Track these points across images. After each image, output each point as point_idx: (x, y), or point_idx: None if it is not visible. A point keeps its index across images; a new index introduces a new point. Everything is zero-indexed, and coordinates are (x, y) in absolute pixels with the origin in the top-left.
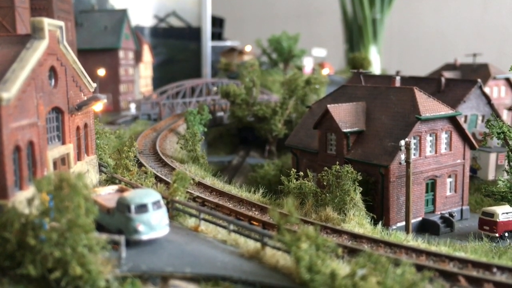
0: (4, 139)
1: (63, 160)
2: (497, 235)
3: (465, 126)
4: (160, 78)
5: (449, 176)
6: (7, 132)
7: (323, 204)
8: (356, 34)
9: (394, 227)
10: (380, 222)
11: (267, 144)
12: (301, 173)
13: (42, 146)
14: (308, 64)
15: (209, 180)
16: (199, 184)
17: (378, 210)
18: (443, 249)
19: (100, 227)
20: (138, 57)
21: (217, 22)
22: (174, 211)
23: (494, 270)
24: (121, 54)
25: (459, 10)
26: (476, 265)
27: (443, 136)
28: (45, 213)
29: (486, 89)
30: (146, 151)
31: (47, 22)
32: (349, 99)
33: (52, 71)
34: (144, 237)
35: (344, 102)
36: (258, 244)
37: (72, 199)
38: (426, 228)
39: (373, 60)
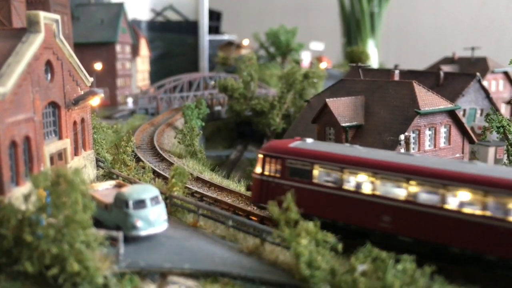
0: (0, 134)
1: (60, 155)
2: None
3: (464, 120)
4: (157, 72)
5: None
6: (3, 127)
7: None
8: (354, 28)
9: None
10: None
11: (265, 139)
12: None
13: (39, 141)
14: (306, 58)
15: (207, 175)
16: (197, 179)
17: None
18: None
19: (98, 223)
20: (135, 51)
21: (215, 16)
22: (172, 207)
23: None
24: (118, 48)
25: (457, 3)
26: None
27: (442, 130)
28: (42, 209)
29: (485, 83)
30: (144, 146)
31: (43, 16)
32: (347, 93)
33: (48, 65)
34: (143, 233)
35: (343, 96)
36: (257, 240)
37: (69, 195)
38: None
39: (371, 54)
